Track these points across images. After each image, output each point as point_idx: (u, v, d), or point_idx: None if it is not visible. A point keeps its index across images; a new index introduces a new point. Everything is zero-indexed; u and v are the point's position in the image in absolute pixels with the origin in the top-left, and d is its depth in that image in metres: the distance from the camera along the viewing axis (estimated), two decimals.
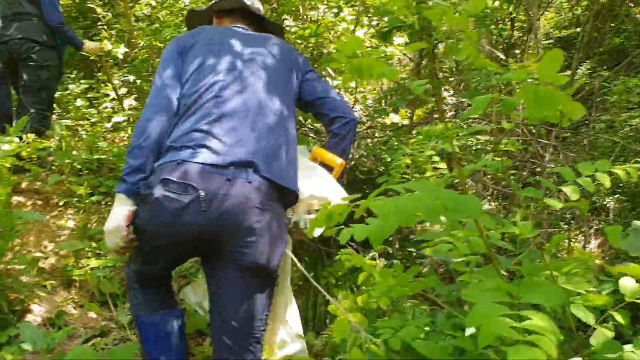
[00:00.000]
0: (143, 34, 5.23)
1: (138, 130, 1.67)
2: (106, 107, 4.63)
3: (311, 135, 3.64)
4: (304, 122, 3.65)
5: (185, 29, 2.27)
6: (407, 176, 2.35)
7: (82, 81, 4.82)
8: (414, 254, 3.31)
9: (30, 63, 3.55)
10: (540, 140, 3.28)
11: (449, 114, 4.07)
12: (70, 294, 2.67)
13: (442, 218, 0.88)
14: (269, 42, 1.92)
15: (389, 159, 3.43)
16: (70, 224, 3.20)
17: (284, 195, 1.71)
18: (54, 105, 3.97)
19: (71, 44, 3.78)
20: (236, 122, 1.66)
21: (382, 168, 3.47)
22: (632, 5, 4.89)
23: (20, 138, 2.41)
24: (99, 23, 4.40)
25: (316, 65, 3.77)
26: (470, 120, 3.23)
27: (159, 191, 1.55)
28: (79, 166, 3.72)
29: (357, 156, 3.57)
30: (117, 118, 4.30)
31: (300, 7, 3.98)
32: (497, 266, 1.01)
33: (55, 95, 3.95)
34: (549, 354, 0.71)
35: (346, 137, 1.98)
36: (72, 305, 2.61)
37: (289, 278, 1.96)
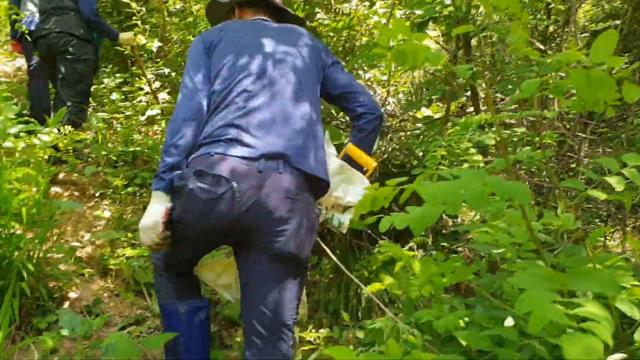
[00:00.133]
0: (177, 29, 5.29)
1: (173, 129, 1.69)
2: (140, 101, 4.70)
3: (342, 128, 3.62)
4: (335, 115, 3.63)
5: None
6: (443, 167, 2.32)
7: (117, 75, 4.90)
8: (447, 249, 3.28)
9: (68, 56, 3.63)
10: (577, 134, 3.19)
11: (482, 108, 4.00)
12: (106, 282, 2.73)
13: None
14: (300, 40, 1.90)
15: (421, 153, 3.39)
16: (106, 214, 3.26)
17: (315, 185, 1.72)
18: (90, 99, 4.05)
19: (106, 35, 3.86)
20: (267, 115, 1.67)
21: (415, 162, 3.43)
22: None
23: (58, 130, 2.46)
24: (134, 17, 4.46)
25: (348, 59, 3.74)
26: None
27: (192, 183, 1.57)
28: (114, 158, 3.79)
29: (390, 149, 3.54)
30: (151, 111, 4.35)
31: None
32: (544, 255, 0.98)
33: (91, 89, 4.04)
34: (606, 341, 0.69)
35: (372, 133, 1.99)
36: (108, 293, 2.66)
37: None
